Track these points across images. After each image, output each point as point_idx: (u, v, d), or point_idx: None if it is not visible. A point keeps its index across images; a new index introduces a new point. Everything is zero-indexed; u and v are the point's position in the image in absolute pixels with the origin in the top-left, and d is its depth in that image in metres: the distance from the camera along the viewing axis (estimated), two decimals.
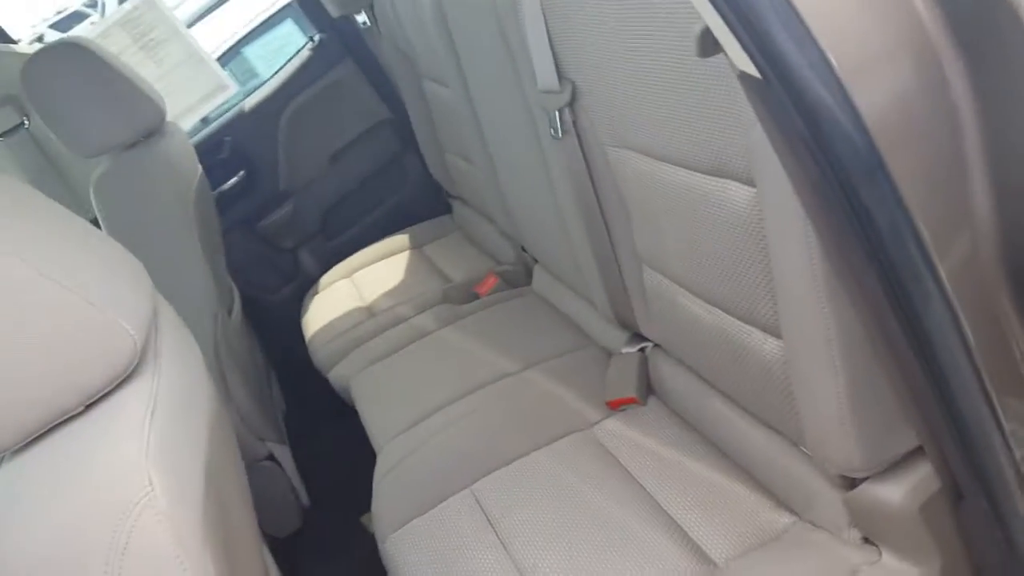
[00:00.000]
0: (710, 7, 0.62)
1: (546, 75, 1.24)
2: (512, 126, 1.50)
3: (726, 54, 0.66)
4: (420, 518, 1.31)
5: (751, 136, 0.84)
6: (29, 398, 0.74)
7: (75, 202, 2.24)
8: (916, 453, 0.94)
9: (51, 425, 0.77)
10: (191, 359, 1.00)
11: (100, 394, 0.78)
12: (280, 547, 1.92)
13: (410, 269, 2.22)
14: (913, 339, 0.70)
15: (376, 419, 1.64)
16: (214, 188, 2.34)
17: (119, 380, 0.79)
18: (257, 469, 1.87)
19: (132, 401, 0.79)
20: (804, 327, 0.90)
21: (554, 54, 1.21)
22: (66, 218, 0.88)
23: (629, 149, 1.15)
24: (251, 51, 4.08)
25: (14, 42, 2.11)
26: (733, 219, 0.96)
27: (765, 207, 0.88)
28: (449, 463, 1.40)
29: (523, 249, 1.95)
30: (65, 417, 0.77)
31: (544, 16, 1.19)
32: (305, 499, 1.97)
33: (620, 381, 1.45)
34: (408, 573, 1.24)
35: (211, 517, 0.80)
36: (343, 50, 2.43)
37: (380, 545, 1.34)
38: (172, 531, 0.71)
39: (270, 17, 3.94)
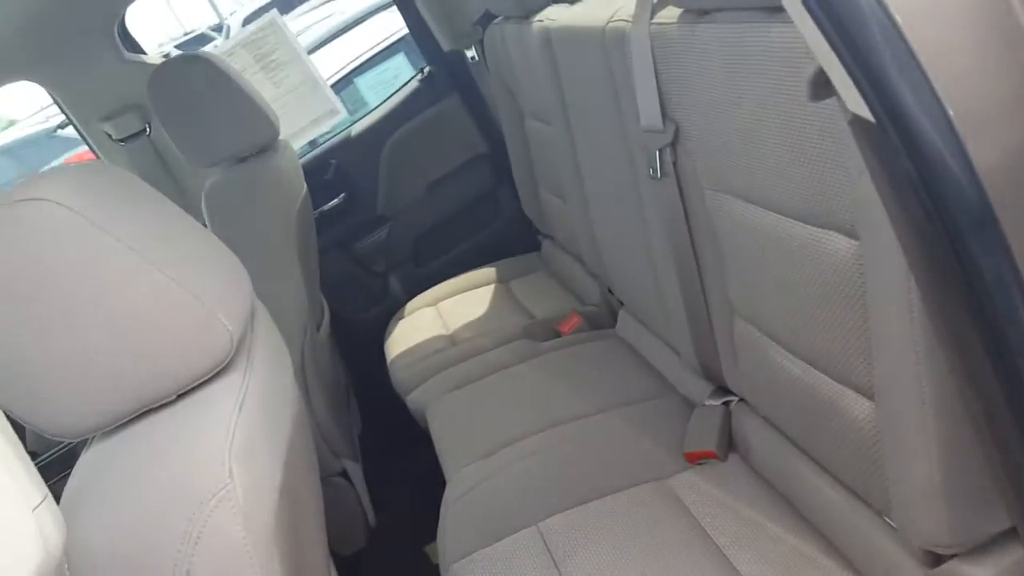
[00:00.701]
0: (826, 47, 0.61)
1: (650, 114, 1.24)
2: (610, 164, 1.50)
3: (838, 96, 0.64)
4: (484, 550, 1.30)
5: (858, 186, 0.81)
6: (125, 383, 0.76)
7: (187, 209, 2.35)
8: (1008, 535, 0.87)
9: (143, 411, 0.79)
10: (281, 362, 1.02)
11: (193, 385, 0.80)
12: (342, 564, 1.93)
13: (494, 302, 2.23)
14: (1016, 410, 0.65)
15: (449, 446, 1.64)
16: (316, 207, 2.42)
17: (212, 373, 0.81)
18: (328, 483, 1.89)
19: (222, 395, 0.81)
20: (899, 389, 0.86)
21: (660, 93, 1.21)
22: (176, 214, 0.92)
23: (729, 194, 1.13)
24: (363, 80, 4.22)
25: (144, 53, 2.24)
26: (833, 272, 0.92)
27: (867, 261, 0.85)
28: (518, 497, 1.39)
29: (610, 291, 1.94)
30: (157, 404, 0.79)
31: (652, 54, 1.19)
32: (372, 519, 1.98)
33: (701, 434, 1.40)
34: None
35: (284, 519, 0.81)
36: (451, 83, 2.49)
37: (443, 574, 1.33)
38: (245, 526, 0.72)
39: (384, 49, 4.08)
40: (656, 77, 1.20)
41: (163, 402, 0.79)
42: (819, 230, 0.93)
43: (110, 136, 2.23)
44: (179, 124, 1.83)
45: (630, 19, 1.25)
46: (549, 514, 1.31)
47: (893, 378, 0.87)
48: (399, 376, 2.00)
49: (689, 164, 1.21)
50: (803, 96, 0.72)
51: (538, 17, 1.75)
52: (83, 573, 0.69)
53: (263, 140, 1.88)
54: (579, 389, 1.67)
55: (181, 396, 0.81)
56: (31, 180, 0.76)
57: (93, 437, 0.83)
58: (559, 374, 1.76)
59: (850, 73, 0.59)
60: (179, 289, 0.78)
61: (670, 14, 1.15)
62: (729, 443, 1.39)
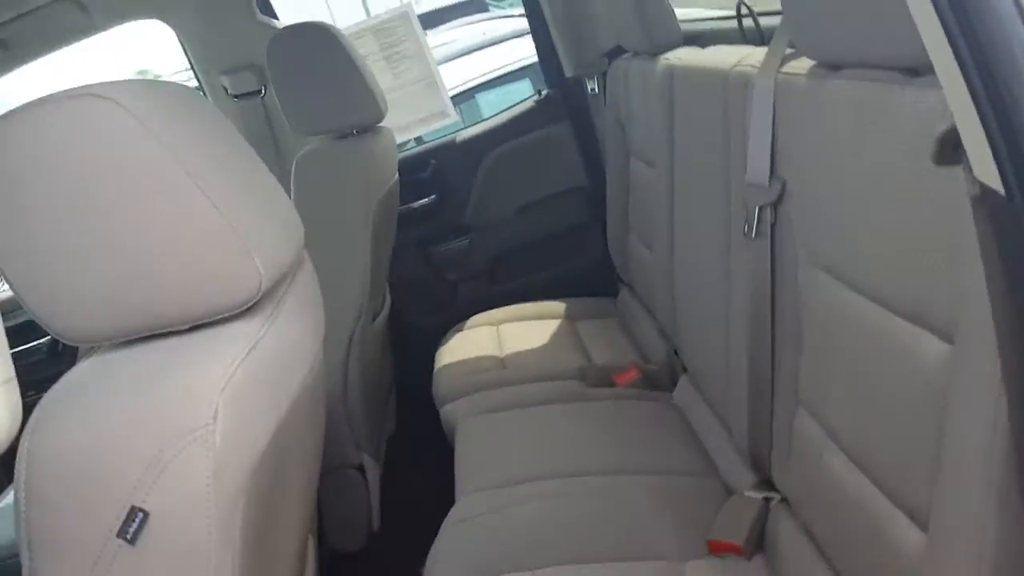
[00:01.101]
0: (966, 100, 0.51)
1: (758, 168, 1.16)
2: (705, 215, 1.42)
3: (966, 162, 0.55)
4: None
5: (963, 280, 0.71)
6: (140, 298, 0.72)
7: (282, 178, 2.37)
8: None
9: (151, 333, 0.74)
10: (312, 330, 0.96)
11: (208, 319, 0.75)
12: (336, 560, 1.86)
13: (556, 337, 2.15)
14: None
15: (467, 466, 1.56)
16: (406, 203, 2.41)
17: (231, 313, 0.76)
18: (342, 474, 1.84)
19: (234, 337, 0.76)
20: (957, 530, 0.74)
21: (773, 147, 1.12)
22: (243, 150, 0.88)
23: (823, 270, 1.03)
24: (484, 98, 4.25)
25: (276, 17, 2.28)
26: (917, 377, 0.81)
27: (956, 370, 0.74)
28: (520, 537, 1.29)
29: (676, 353, 1.83)
30: (166, 329, 0.75)
31: (774, 105, 1.11)
32: (376, 523, 1.91)
33: (731, 525, 1.28)
34: None
35: (261, 484, 0.75)
36: (565, 110, 2.44)
37: None
38: (215, 474, 0.67)
39: (512, 71, 4.09)
40: (772, 129, 1.12)
41: (173, 328, 0.75)
42: (912, 326, 0.82)
43: (226, 90, 2.28)
44: (289, 87, 1.84)
45: (757, 66, 1.18)
46: (548, 564, 1.21)
47: (953, 515, 0.75)
48: (441, 385, 1.94)
49: (787, 228, 1.12)
50: (926, 168, 0.63)
51: (666, 56, 1.70)
52: (38, 477, 0.65)
53: (364, 121, 1.87)
54: (617, 444, 1.57)
55: (194, 328, 0.76)
56: (102, 83, 0.74)
57: (92, 349, 0.79)
58: (600, 424, 1.66)
59: (988, 132, 0.50)
60: (219, 218, 0.74)
61: (800, 66, 1.07)
62: (759, 542, 1.26)
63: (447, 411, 1.84)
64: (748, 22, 1.56)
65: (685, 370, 1.76)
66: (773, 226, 1.14)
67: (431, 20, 7.37)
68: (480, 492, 1.44)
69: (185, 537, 0.66)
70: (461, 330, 2.27)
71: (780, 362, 1.18)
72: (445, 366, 2.03)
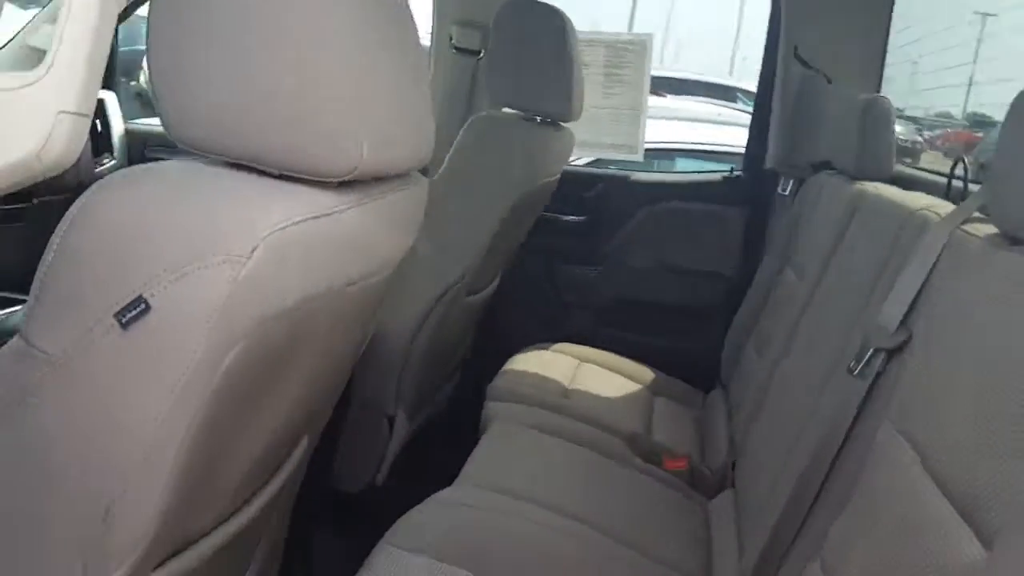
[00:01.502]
0: None
1: (892, 312, 1.08)
2: (824, 341, 1.35)
3: None
4: (420, 557, 1.18)
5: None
6: (250, 130, 0.71)
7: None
8: None
9: (245, 163, 0.74)
10: (382, 245, 0.94)
11: (296, 174, 0.75)
12: (327, 493, 1.87)
13: (629, 399, 2.08)
14: None
15: (478, 461, 1.53)
16: (557, 212, 2.41)
17: (319, 179, 0.75)
18: (372, 417, 1.85)
19: (312, 200, 0.75)
20: None
21: (917, 297, 1.04)
22: (412, 50, 0.88)
23: (905, 436, 0.94)
24: (683, 164, 4.21)
25: None
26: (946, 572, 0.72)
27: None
28: (484, 543, 1.25)
29: (732, 467, 1.73)
30: (259, 167, 0.74)
31: (938, 256, 1.03)
32: (382, 477, 1.91)
33: None
34: None
35: (263, 343, 0.73)
36: (746, 197, 2.38)
37: (378, 544, 1.23)
38: (225, 304, 0.65)
39: (719, 152, 4.05)
40: (926, 278, 1.04)
41: (264, 168, 0.74)
42: (959, 519, 0.73)
43: (450, 38, 2.36)
44: (502, 54, 1.88)
45: (942, 215, 1.10)
46: None
47: None
48: (498, 381, 1.92)
49: (890, 382, 1.03)
50: None
51: (864, 183, 1.63)
52: (76, 230, 0.66)
53: (554, 113, 1.88)
54: (627, 513, 1.50)
55: (283, 177, 0.75)
56: None
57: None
58: (626, 490, 1.60)
59: None
60: (349, 89, 0.73)
61: (982, 229, 0.99)
62: None
63: (491, 407, 1.82)
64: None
65: (732, 485, 1.66)
66: (879, 375, 1.06)
67: (684, 88, 7.39)
68: (475, 487, 1.41)
69: (168, 352, 0.65)
70: (546, 348, 2.24)
71: (816, 513, 1.09)
72: (514, 369, 2.02)
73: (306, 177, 0.76)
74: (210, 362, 0.67)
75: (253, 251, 0.66)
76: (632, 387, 2.17)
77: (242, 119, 0.73)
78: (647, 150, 3.46)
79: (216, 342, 0.66)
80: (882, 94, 1.97)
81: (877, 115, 1.65)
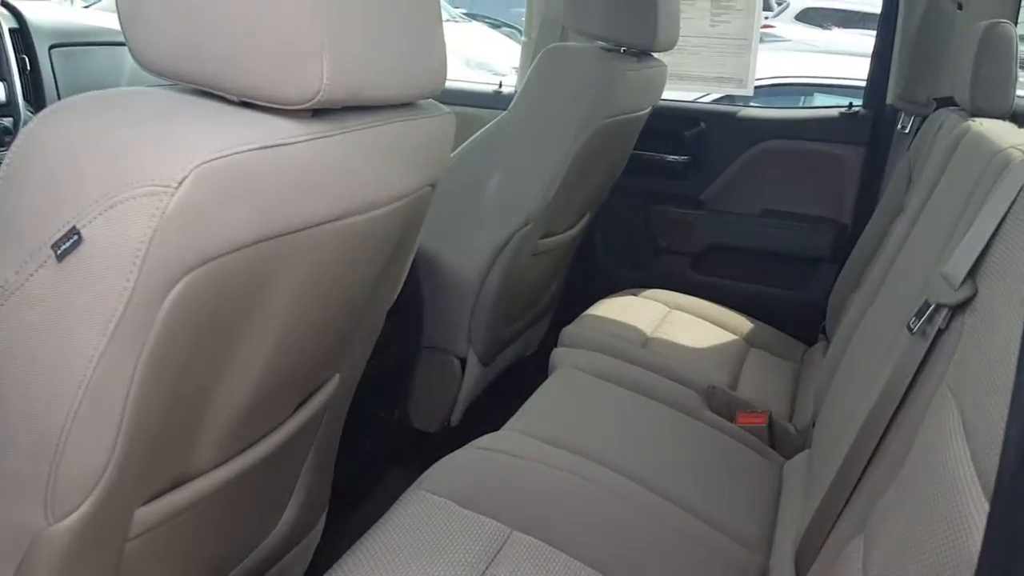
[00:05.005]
0: None
1: (960, 262, 0.93)
2: (896, 289, 1.20)
3: None
4: (453, 504, 1.16)
5: None
6: (210, 53, 0.70)
7: None
8: None
9: (204, 88, 0.73)
10: (378, 179, 0.89)
11: (256, 101, 0.72)
12: (403, 432, 1.90)
13: (718, 351, 1.97)
14: None
15: (532, 407, 1.49)
16: (657, 151, 2.29)
17: (279, 106, 0.72)
18: (444, 357, 1.85)
19: (265, 129, 0.72)
20: None
21: (988, 244, 0.90)
22: None
23: (957, 408, 0.82)
24: (823, 99, 3.92)
25: None
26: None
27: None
28: (520, 493, 1.22)
29: (813, 425, 1.61)
30: (219, 93, 0.73)
31: (1017, 195, 0.88)
32: (457, 416, 1.91)
33: None
34: (386, 537, 1.10)
35: (216, 283, 0.71)
36: (865, 135, 2.17)
37: (410, 488, 1.22)
38: (152, 237, 0.64)
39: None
40: (999, 224, 0.89)
41: (225, 94, 0.72)
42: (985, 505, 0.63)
43: None
44: None
45: None
46: (526, 530, 1.13)
47: None
48: (572, 327, 1.87)
49: (951, 344, 0.90)
50: None
51: (978, 120, 1.44)
52: (19, 152, 0.66)
53: (641, 43, 1.77)
54: (689, 473, 1.41)
55: (244, 104, 0.72)
56: None
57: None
58: (691, 446, 1.51)
59: None
60: (309, 11, 0.70)
61: None
62: None
63: (558, 352, 1.76)
64: None
65: (808, 446, 1.54)
66: (939, 333, 0.92)
67: (851, 20, 6.88)
68: (520, 435, 1.37)
69: (100, 285, 0.64)
70: (636, 294, 2.15)
71: (863, 486, 0.98)
72: (594, 314, 1.95)
73: (267, 104, 0.73)
74: (145, 299, 0.66)
75: (181, 182, 0.64)
76: (724, 337, 2.05)
77: (202, 43, 0.70)
78: (778, 85, 3.24)
79: (150, 278, 0.65)
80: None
81: (996, 43, 1.44)
